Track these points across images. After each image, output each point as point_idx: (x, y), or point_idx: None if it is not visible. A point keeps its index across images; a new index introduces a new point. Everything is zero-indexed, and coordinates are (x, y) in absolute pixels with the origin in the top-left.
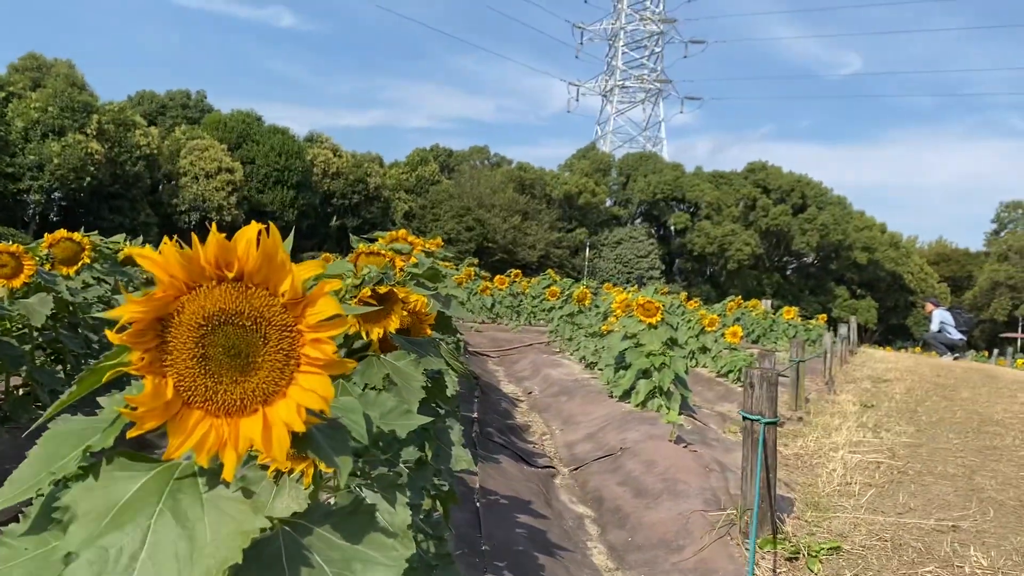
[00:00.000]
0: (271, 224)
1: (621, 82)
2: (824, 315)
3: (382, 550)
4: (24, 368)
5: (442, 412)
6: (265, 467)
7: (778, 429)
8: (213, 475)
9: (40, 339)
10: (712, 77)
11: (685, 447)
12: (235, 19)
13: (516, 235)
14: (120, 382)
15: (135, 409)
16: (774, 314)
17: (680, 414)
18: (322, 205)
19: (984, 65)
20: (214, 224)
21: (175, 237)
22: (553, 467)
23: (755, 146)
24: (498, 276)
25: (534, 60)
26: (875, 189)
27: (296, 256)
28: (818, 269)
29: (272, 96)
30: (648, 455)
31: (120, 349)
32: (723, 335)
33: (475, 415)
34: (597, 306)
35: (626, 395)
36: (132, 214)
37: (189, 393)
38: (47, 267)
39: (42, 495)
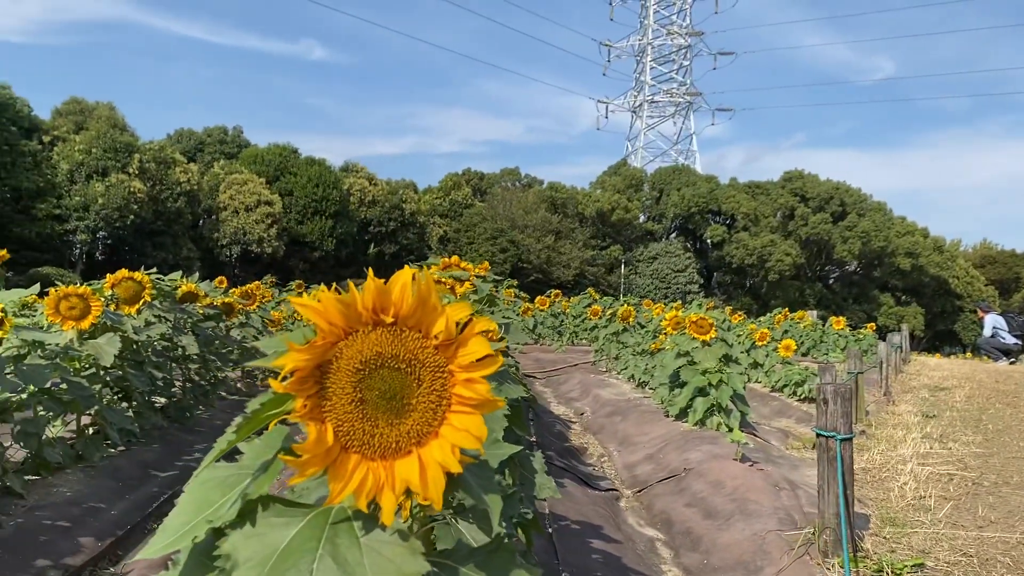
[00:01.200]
0: (425, 267)
1: (650, 97)
2: (872, 324)
3: None
4: (95, 407)
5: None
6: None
7: None
8: (368, 518)
9: (108, 378)
10: (742, 87)
11: (751, 466)
12: (267, 54)
13: (550, 255)
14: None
15: (299, 456)
16: (822, 325)
17: (741, 431)
18: (359, 233)
19: (1020, 63)
20: (370, 270)
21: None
22: (616, 489)
23: (789, 155)
24: (539, 297)
25: (561, 80)
26: (915, 193)
27: (338, 285)
28: (861, 277)
29: (307, 128)
30: (714, 475)
31: (279, 397)
32: (775, 349)
33: (533, 438)
34: (641, 324)
35: (683, 414)
36: (175, 249)
37: (347, 438)
38: (112, 307)
39: (199, 541)
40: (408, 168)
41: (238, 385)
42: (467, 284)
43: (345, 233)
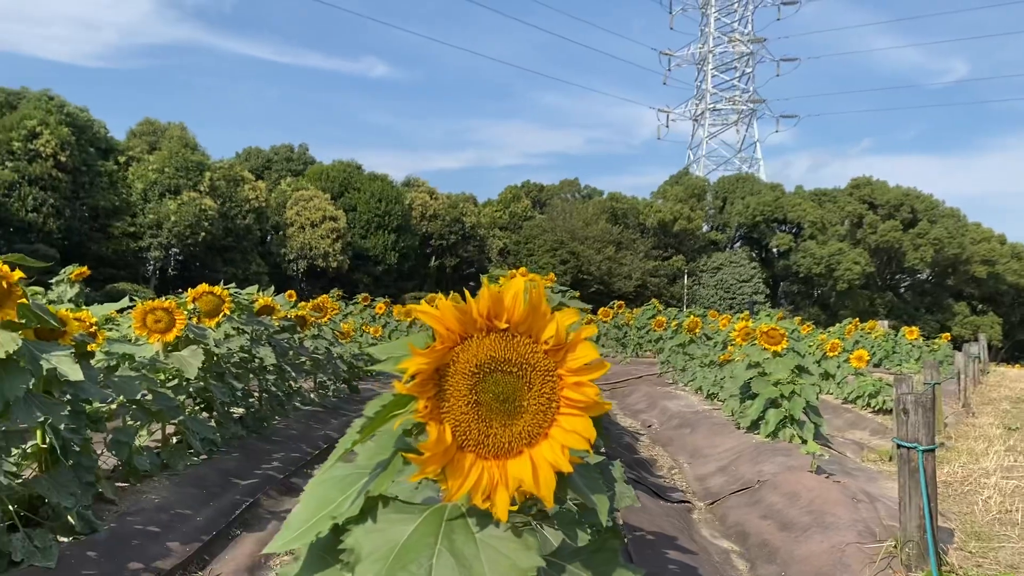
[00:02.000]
0: (537, 277)
1: (712, 105)
2: (947, 334)
3: None
4: (180, 418)
5: (602, 450)
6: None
7: None
8: (481, 516)
9: (191, 389)
10: (807, 94)
11: (827, 478)
12: (331, 72)
13: (611, 266)
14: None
15: (420, 455)
16: (895, 335)
17: (815, 443)
18: (421, 246)
19: None
20: (485, 280)
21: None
22: (688, 501)
23: (856, 161)
24: (602, 308)
25: (621, 90)
26: (990, 198)
27: (399, 298)
28: (934, 286)
29: (369, 144)
30: (789, 487)
31: (399, 399)
32: (847, 360)
33: (602, 450)
34: (708, 336)
35: (754, 426)
36: (244, 265)
37: (463, 438)
38: (194, 320)
39: (322, 536)
40: (468, 182)
41: (311, 395)
42: None
43: (407, 247)
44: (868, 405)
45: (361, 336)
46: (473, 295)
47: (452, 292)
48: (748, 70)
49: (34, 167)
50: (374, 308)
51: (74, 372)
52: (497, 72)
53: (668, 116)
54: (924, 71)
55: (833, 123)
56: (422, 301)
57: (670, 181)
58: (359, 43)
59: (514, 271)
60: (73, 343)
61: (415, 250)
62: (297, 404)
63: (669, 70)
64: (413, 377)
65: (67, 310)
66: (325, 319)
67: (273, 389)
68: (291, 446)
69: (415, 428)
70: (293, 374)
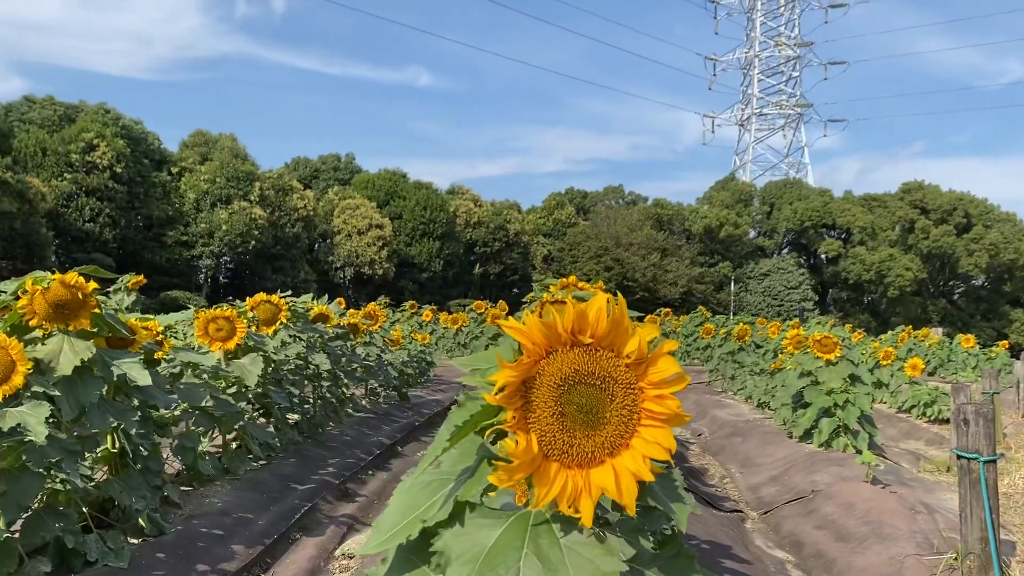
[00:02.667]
0: (619, 293)
1: (758, 110)
2: (1004, 342)
3: None
4: (241, 423)
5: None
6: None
7: None
8: (566, 521)
9: (250, 395)
10: (856, 97)
11: (884, 488)
12: (377, 82)
13: (656, 272)
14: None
15: (508, 463)
16: (949, 343)
17: (870, 453)
18: (465, 253)
19: None
20: (570, 298)
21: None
22: (741, 511)
23: (907, 165)
24: (648, 316)
25: (665, 96)
26: None
27: (443, 305)
28: (989, 292)
29: (415, 152)
30: (844, 497)
31: (486, 409)
32: (900, 368)
33: None
34: (757, 344)
35: (807, 435)
36: (292, 273)
37: (548, 447)
38: (252, 328)
39: (412, 539)
40: (511, 189)
41: (363, 402)
42: None
43: (452, 254)
44: (923, 415)
45: (410, 343)
46: (517, 302)
47: (500, 300)
48: (795, 74)
49: (91, 178)
50: (421, 315)
51: (143, 378)
52: (541, 79)
53: (713, 121)
54: (978, 73)
55: (883, 127)
56: (488, 310)
57: (716, 187)
58: (405, 53)
59: (565, 279)
60: (142, 351)
61: (459, 257)
62: (350, 411)
63: (714, 75)
64: (502, 389)
65: (136, 319)
66: (376, 326)
67: (328, 395)
68: (345, 452)
69: (496, 436)
70: (346, 381)
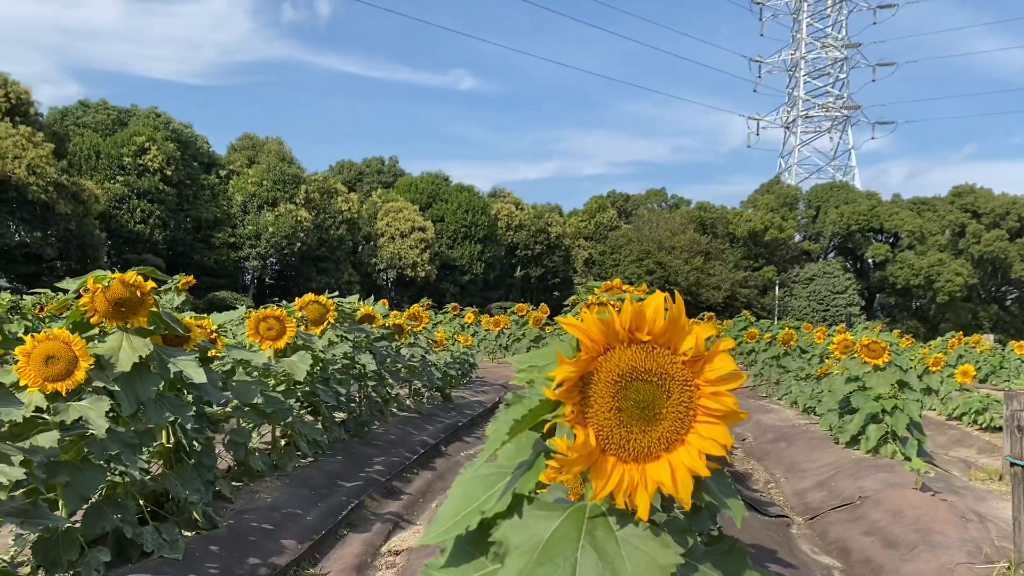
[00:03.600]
0: (676, 292)
1: (804, 112)
2: None
3: None
4: (290, 420)
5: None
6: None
7: None
8: (622, 515)
9: (298, 393)
10: (905, 99)
11: (933, 495)
12: (420, 86)
13: (699, 276)
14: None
15: (566, 456)
16: (1001, 349)
17: (920, 460)
18: (507, 256)
19: None
20: (628, 297)
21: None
22: (786, 516)
23: (957, 168)
24: (691, 321)
25: (709, 98)
26: None
27: (484, 307)
28: None
29: (456, 156)
30: (893, 504)
31: (543, 404)
32: (950, 375)
33: None
34: (803, 349)
35: (854, 441)
36: (336, 274)
37: (605, 442)
38: (301, 328)
39: (470, 529)
40: (553, 192)
41: (407, 402)
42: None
43: (493, 257)
44: (974, 422)
45: (452, 345)
46: (558, 305)
47: (541, 303)
48: (842, 76)
49: (142, 181)
50: (463, 317)
51: (198, 375)
52: (583, 82)
53: (758, 124)
54: None
55: (933, 129)
56: (529, 313)
57: (760, 190)
58: (448, 57)
59: (608, 282)
60: (196, 349)
61: (501, 260)
62: (394, 410)
63: (759, 77)
64: (560, 384)
65: (190, 318)
66: (420, 327)
67: (373, 395)
68: (390, 451)
69: (552, 432)
70: (391, 381)
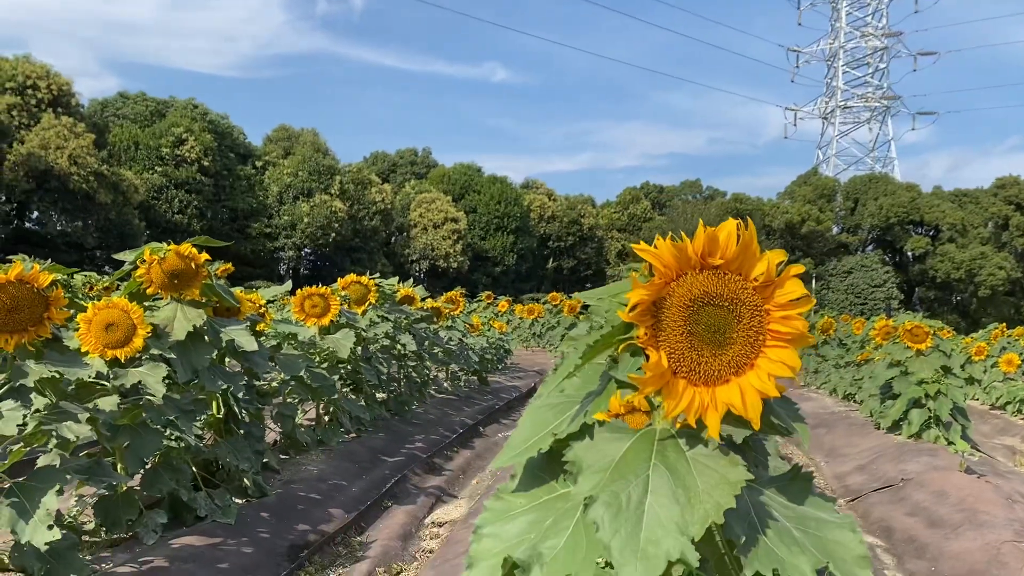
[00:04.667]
0: (748, 218)
1: (843, 103)
2: None
3: (826, 510)
4: (335, 396)
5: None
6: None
7: None
8: (691, 437)
9: (342, 370)
10: (947, 89)
11: (979, 478)
12: (453, 78)
13: None
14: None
15: (642, 375)
16: None
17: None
18: (539, 248)
19: None
20: (701, 221)
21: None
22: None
23: (1001, 160)
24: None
25: (746, 89)
26: None
27: (516, 299)
28: None
29: (489, 147)
30: (936, 486)
31: (616, 329)
32: (994, 365)
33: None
34: (841, 341)
35: (895, 426)
36: (370, 264)
37: (677, 365)
38: (345, 306)
39: (542, 452)
40: (586, 183)
41: (445, 384)
42: None
43: (525, 248)
44: (1019, 411)
45: (488, 331)
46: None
47: (574, 294)
48: (882, 66)
49: (180, 171)
50: (496, 306)
51: (250, 344)
52: (617, 73)
53: (796, 114)
54: None
55: (976, 120)
56: (564, 302)
57: (798, 181)
58: (481, 49)
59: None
60: (247, 320)
61: (533, 251)
62: (433, 392)
63: (797, 67)
64: (634, 307)
65: (240, 291)
66: (457, 311)
67: (413, 375)
68: (430, 429)
69: (618, 360)
70: (429, 362)
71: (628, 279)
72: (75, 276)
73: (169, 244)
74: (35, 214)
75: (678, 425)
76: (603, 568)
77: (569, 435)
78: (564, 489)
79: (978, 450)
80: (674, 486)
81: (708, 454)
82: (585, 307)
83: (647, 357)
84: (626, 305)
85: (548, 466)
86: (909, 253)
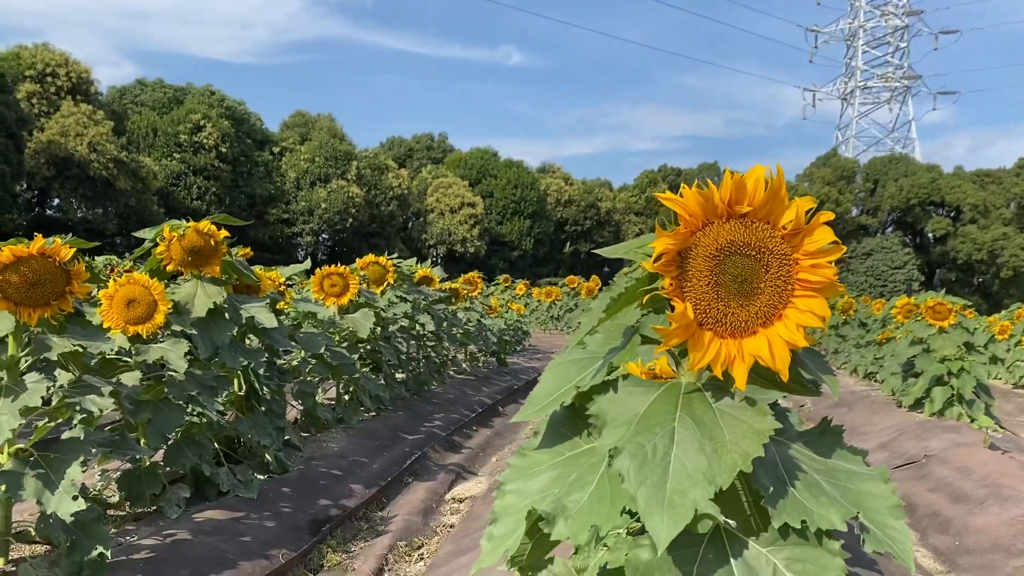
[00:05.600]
0: (778, 165)
1: (863, 83)
2: None
3: (856, 463)
4: (355, 375)
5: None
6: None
7: None
8: (717, 388)
9: (361, 349)
10: (969, 68)
11: (1003, 453)
12: (469, 62)
13: None
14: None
15: (667, 326)
16: None
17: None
18: (556, 232)
19: None
20: (727, 168)
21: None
22: None
23: None
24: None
25: (764, 69)
26: None
27: (533, 283)
28: None
29: (505, 132)
30: (960, 462)
31: (641, 281)
32: (1017, 343)
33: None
34: (862, 322)
35: (917, 404)
36: (388, 250)
37: (703, 316)
38: (364, 286)
39: (565, 407)
40: (603, 167)
41: (463, 365)
42: None
43: (542, 232)
44: None
45: (506, 313)
46: (607, 281)
47: (592, 277)
48: (902, 45)
49: (198, 158)
50: (514, 289)
51: (270, 321)
52: (634, 55)
53: (814, 95)
54: None
55: (999, 99)
56: (581, 284)
57: (816, 163)
58: (497, 32)
59: None
60: (267, 298)
61: (550, 236)
62: (451, 372)
63: (816, 47)
64: (660, 257)
65: (260, 269)
66: (475, 293)
67: (432, 355)
68: (449, 408)
69: (644, 316)
70: (448, 343)
71: (650, 235)
72: (96, 259)
73: (188, 221)
74: (56, 201)
75: (704, 379)
76: (629, 521)
77: (593, 389)
78: (588, 445)
79: (1002, 427)
80: (701, 437)
81: (735, 405)
82: (604, 286)
83: (672, 309)
84: (651, 256)
85: (571, 422)
86: (930, 235)
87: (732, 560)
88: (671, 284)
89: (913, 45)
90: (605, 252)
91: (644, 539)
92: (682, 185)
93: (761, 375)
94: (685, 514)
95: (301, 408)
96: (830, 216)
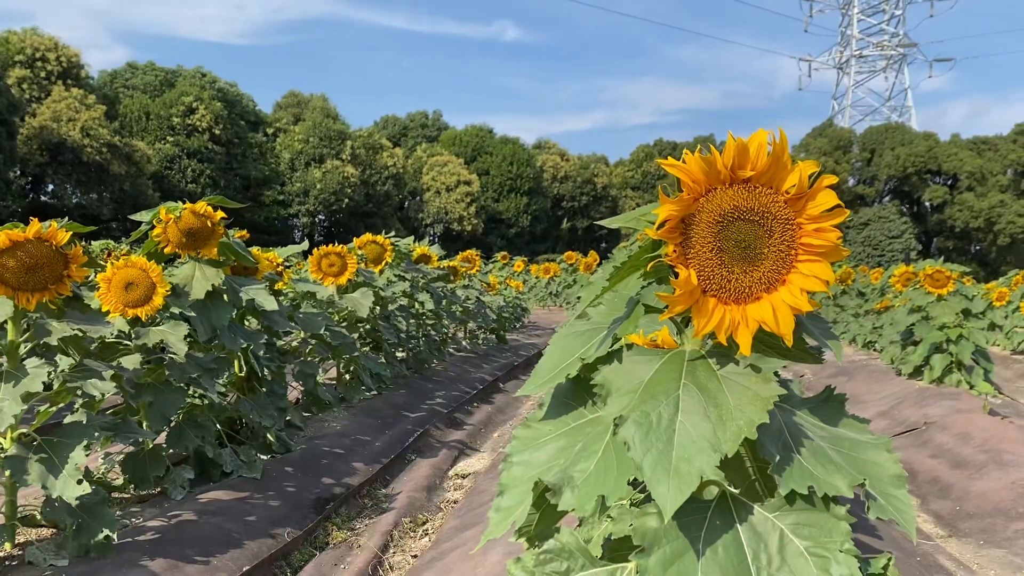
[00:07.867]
0: (780, 129)
1: (858, 51)
2: None
3: (859, 431)
4: (356, 354)
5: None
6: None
7: None
8: (721, 356)
9: (361, 328)
10: (965, 34)
11: (1002, 419)
12: (463, 38)
13: None
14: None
15: (671, 293)
16: None
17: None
18: (553, 209)
19: None
20: (730, 132)
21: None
22: None
23: (1022, 106)
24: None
25: (759, 40)
26: None
27: (531, 260)
28: None
29: (501, 109)
30: (959, 428)
31: (644, 248)
32: (1016, 310)
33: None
34: (860, 292)
35: (917, 372)
36: (384, 229)
37: (706, 282)
38: (362, 265)
39: (570, 379)
40: (599, 142)
41: (463, 343)
42: None
43: (539, 209)
44: None
45: (505, 290)
46: (605, 256)
47: (590, 253)
48: (898, 12)
49: (191, 141)
50: (512, 266)
51: (270, 303)
52: (629, 28)
53: (810, 65)
54: None
55: (995, 66)
56: (580, 260)
57: (813, 133)
58: (492, 6)
59: None
60: (265, 279)
61: (547, 212)
62: (452, 350)
63: (811, 16)
64: (663, 224)
65: (257, 250)
66: (474, 270)
67: (431, 333)
68: (450, 386)
69: (645, 287)
70: (447, 320)
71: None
72: (93, 244)
73: (184, 203)
74: (50, 187)
75: (707, 347)
76: (633, 492)
77: (597, 359)
78: (592, 415)
79: (1001, 393)
80: (705, 404)
81: (739, 372)
82: (602, 262)
83: (676, 276)
84: (654, 224)
85: (576, 393)
86: (927, 203)
87: (739, 525)
88: (674, 251)
89: (908, 12)
90: (607, 223)
91: (651, 507)
92: (684, 151)
93: (764, 343)
94: (691, 481)
95: (302, 388)
96: (833, 180)
